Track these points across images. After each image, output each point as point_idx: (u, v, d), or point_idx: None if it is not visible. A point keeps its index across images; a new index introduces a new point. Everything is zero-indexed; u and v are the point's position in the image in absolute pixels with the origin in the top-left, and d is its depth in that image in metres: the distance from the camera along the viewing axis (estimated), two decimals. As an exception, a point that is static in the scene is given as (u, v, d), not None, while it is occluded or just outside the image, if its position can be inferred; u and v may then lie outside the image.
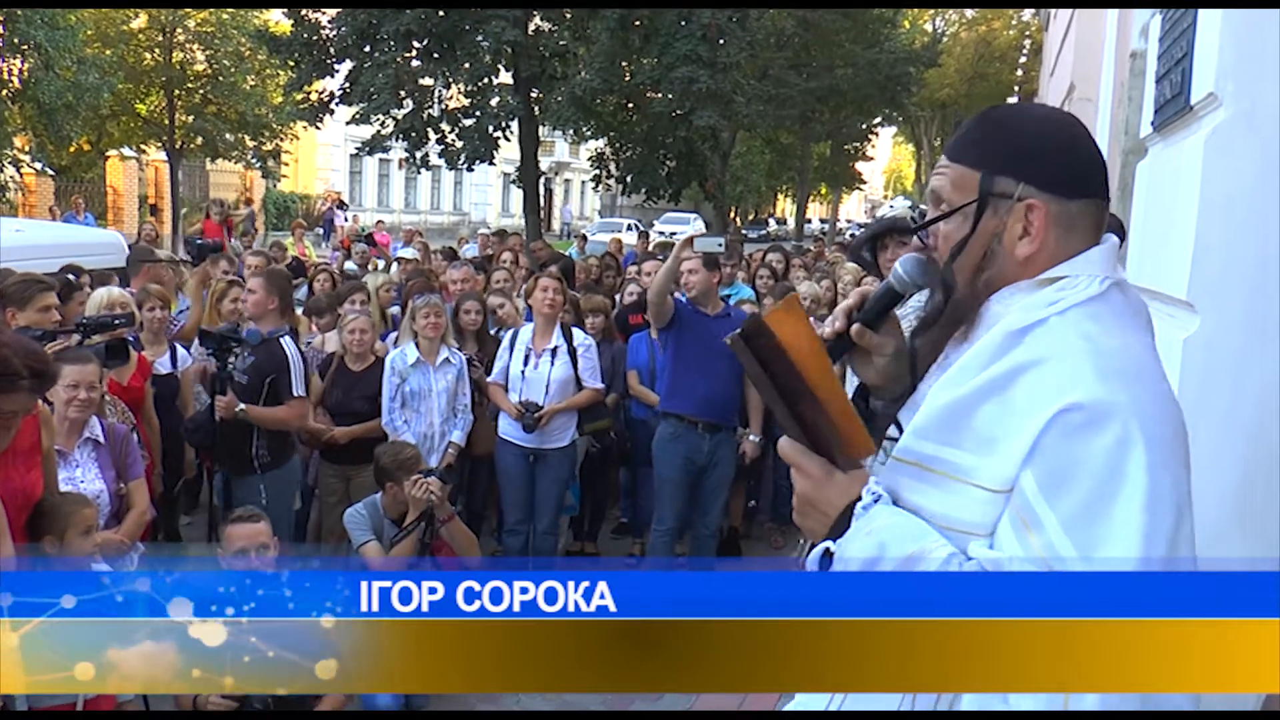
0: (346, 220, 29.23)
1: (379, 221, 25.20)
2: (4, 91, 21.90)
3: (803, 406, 1.66)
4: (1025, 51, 43.00)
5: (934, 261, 1.83)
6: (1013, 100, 43.09)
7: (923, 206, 2.10)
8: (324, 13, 22.52)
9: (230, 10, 28.25)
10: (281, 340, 5.97)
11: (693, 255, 6.51)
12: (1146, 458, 1.51)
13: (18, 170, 25.07)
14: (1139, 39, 6.01)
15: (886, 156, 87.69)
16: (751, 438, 6.98)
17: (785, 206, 68.04)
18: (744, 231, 42.83)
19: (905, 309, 1.95)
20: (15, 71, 21.87)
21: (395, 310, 8.33)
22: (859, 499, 1.69)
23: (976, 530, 1.60)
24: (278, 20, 26.97)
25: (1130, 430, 1.51)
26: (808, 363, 1.63)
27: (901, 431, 1.76)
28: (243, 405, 5.73)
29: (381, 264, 12.31)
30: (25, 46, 21.31)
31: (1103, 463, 1.51)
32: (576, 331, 6.96)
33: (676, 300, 6.48)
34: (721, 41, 21.59)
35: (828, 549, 1.70)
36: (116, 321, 5.22)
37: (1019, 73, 43.96)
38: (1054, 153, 1.74)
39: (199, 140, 30.76)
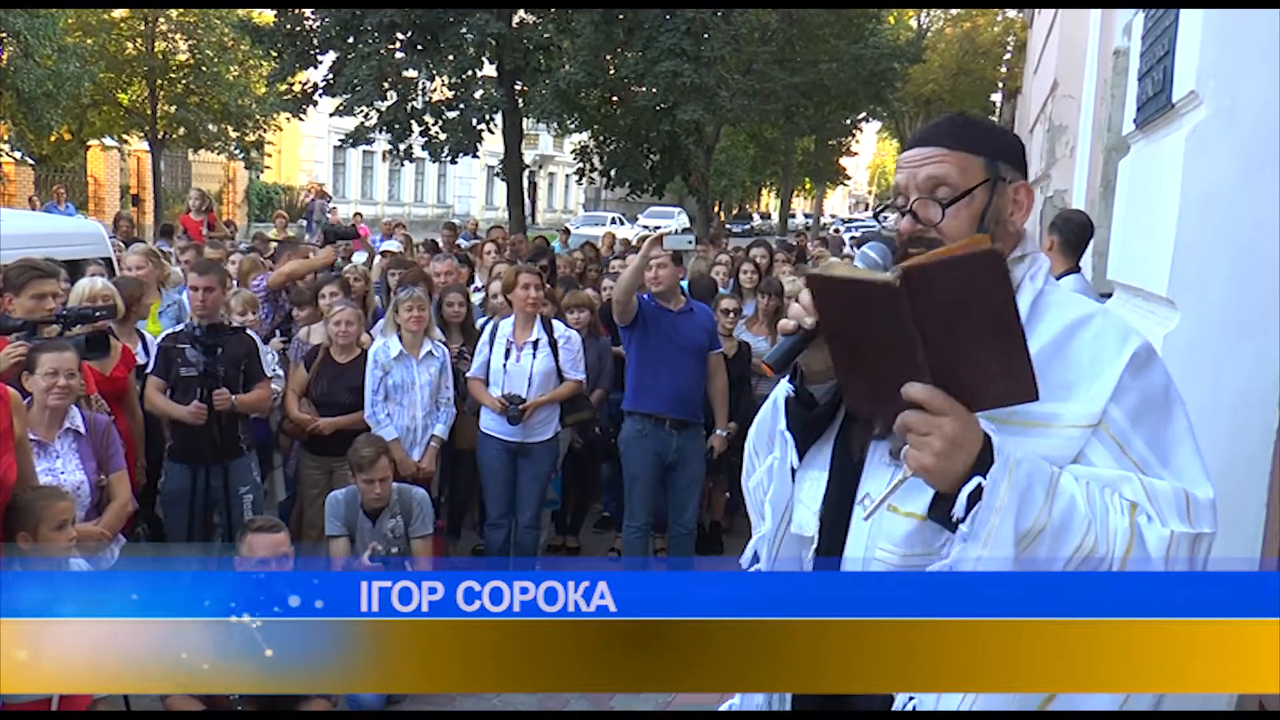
0: (327, 213, 29.11)
1: (356, 214, 25.09)
2: (-18, 79, 21.69)
3: (988, 335, 1.65)
4: (1010, 48, 43.08)
5: (930, 240, 1.96)
6: (996, 97, 43.21)
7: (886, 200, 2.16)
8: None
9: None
10: (236, 326, 6.26)
11: (661, 253, 6.50)
12: (1172, 382, 1.97)
13: (-4, 159, 24.87)
14: (1122, 37, 6.04)
15: (871, 152, 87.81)
16: (719, 433, 6.99)
17: (769, 201, 68.07)
18: (728, 226, 42.90)
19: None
20: (-6, 59, 21.65)
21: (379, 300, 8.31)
22: (987, 436, 1.78)
23: (1060, 463, 1.86)
24: (261, 11, 26.78)
25: (1163, 364, 1.98)
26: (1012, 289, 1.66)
27: None
28: (234, 397, 5.87)
29: (364, 257, 12.23)
30: (3, 35, 21.08)
31: (1162, 391, 1.94)
32: (556, 323, 6.95)
33: (640, 298, 6.44)
34: (706, 36, 21.58)
35: (980, 483, 1.76)
36: (97, 314, 5.16)
37: (1003, 69, 44.02)
38: (1021, 150, 2.10)
39: (181, 130, 30.53)
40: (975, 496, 1.74)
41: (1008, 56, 43.31)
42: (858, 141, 49.03)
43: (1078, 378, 1.91)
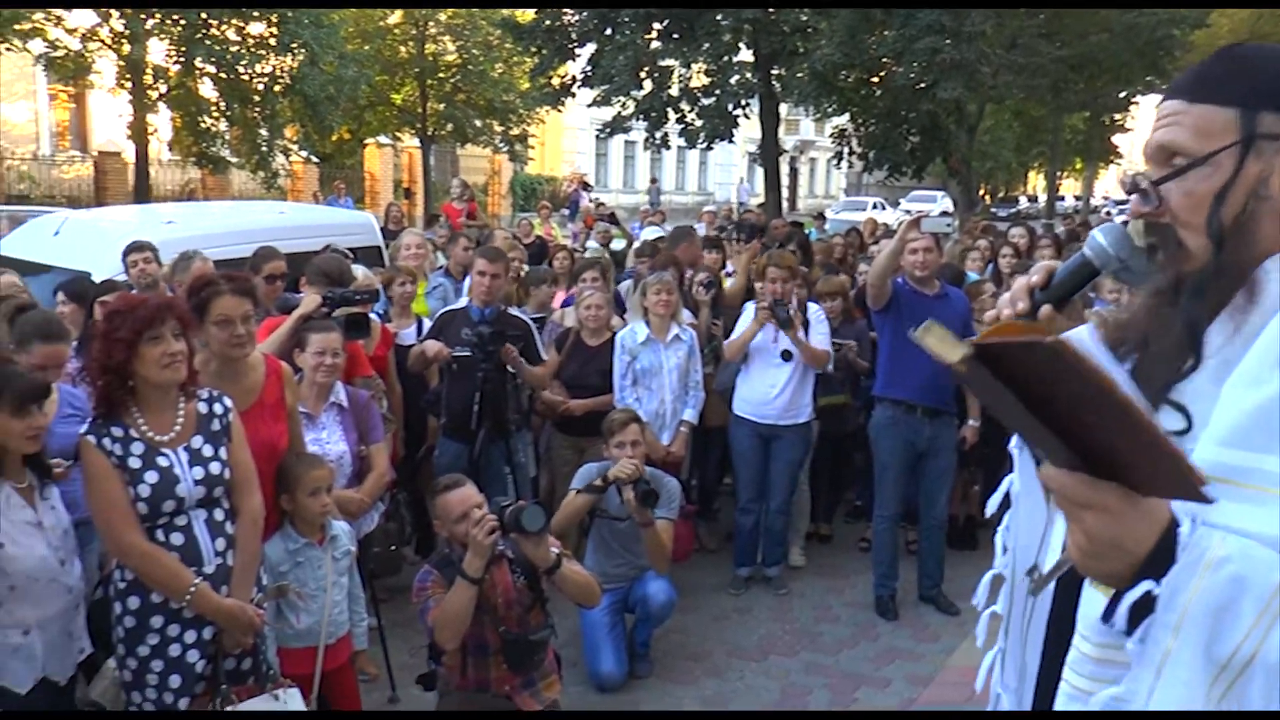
0: (589, 201, 29.86)
1: (600, 202, 25.53)
2: (276, 87, 23.35)
3: (1107, 426, 1.19)
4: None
5: (1163, 227, 1.55)
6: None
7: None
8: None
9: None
10: (511, 311, 6.42)
11: (920, 235, 6.23)
12: None
13: (287, 158, 26.67)
14: None
15: (1148, 127, 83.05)
16: (972, 423, 6.68)
17: (1037, 182, 65.34)
18: (993, 210, 41.41)
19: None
20: (286, 68, 23.25)
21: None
22: (1173, 526, 1.27)
23: None
24: (523, 10, 27.71)
25: None
26: (1108, 376, 1.15)
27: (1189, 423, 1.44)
28: (523, 363, 6.10)
29: (623, 243, 12.43)
30: (294, 45, 22.63)
31: None
32: (810, 305, 6.84)
33: (895, 282, 6.22)
34: (967, 10, 20.77)
35: (1149, 592, 1.27)
36: (358, 297, 5.50)
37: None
38: None
39: (449, 127, 32.04)
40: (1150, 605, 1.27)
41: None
42: (1132, 118, 46.07)
43: None
